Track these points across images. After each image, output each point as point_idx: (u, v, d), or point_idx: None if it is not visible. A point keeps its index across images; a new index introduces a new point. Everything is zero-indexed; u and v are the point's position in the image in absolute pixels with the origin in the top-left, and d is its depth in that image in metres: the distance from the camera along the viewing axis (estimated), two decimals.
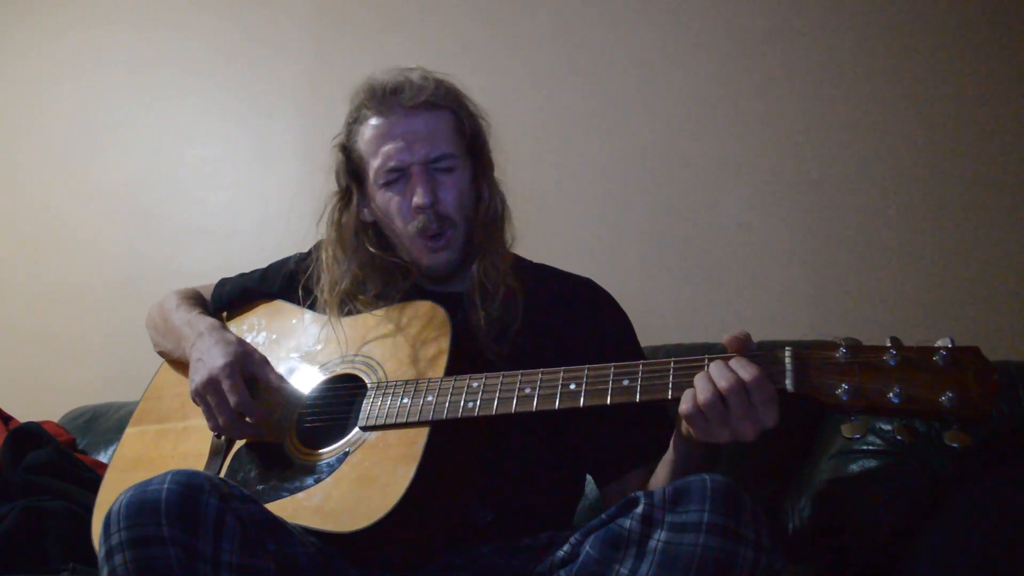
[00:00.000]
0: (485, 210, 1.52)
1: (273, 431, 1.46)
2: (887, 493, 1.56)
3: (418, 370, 1.38)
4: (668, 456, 1.31)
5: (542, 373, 1.28)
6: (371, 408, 1.37)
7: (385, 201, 1.49)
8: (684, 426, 1.20)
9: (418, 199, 1.45)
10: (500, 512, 1.38)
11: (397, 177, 1.47)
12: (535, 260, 1.61)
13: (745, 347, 1.17)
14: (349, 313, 1.52)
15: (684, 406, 1.15)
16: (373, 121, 1.49)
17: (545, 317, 1.48)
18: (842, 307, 2.22)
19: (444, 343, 1.38)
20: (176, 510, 1.11)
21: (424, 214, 1.45)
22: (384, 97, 1.48)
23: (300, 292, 1.58)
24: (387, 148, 1.47)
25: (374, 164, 1.49)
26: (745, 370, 1.12)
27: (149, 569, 1.10)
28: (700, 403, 1.13)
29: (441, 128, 1.47)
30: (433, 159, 1.46)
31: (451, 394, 1.31)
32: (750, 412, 1.12)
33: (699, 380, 1.15)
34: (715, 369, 1.15)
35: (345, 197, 1.55)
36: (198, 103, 2.95)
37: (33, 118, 3.14)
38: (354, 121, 1.53)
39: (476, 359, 1.40)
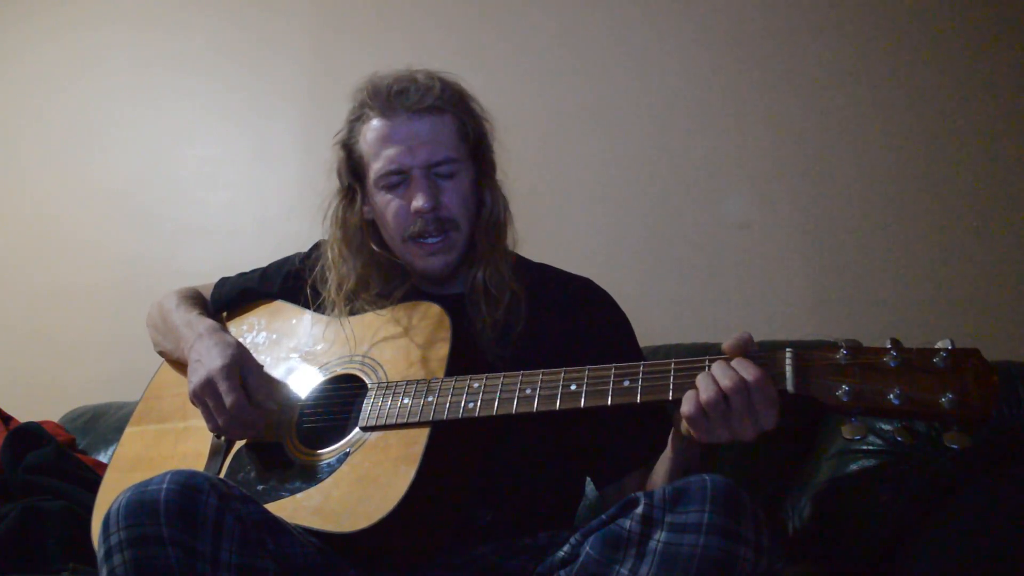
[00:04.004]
0: (488, 214, 1.51)
1: (273, 431, 1.46)
2: (887, 493, 1.55)
3: (419, 371, 1.38)
4: (666, 455, 1.31)
5: (543, 374, 1.27)
6: (371, 408, 1.36)
7: (384, 203, 1.49)
8: (684, 426, 1.20)
9: (417, 203, 1.44)
10: (500, 512, 1.38)
11: (398, 181, 1.47)
12: (535, 260, 1.61)
13: (746, 350, 1.17)
14: (352, 313, 1.51)
15: (686, 407, 1.15)
16: (375, 122, 1.48)
17: (544, 317, 1.48)
18: (842, 308, 2.21)
19: (445, 345, 1.38)
20: (175, 510, 1.11)
21: (422, 218, 1.45)
22: (388, 98, 1.46)
23: (308, 292, 1.56)
24: (389, 151, 1.46)
25: (375, 166, 1.48)
26: (748, 371, 1.12)
27: (148, 569, 1.10)
28: (703, 402, 1.13)
29: (444, 132, 1.46)
30: (435, 163, 1.45)
31: (452, 395, 1.31)
32: (751, 412, 1.12)
33: (701, 379, 1.15)
34: (717, 369, 1.15)
35: (348, 195, 1.54)
36: (198, 103, 2.95)
37: (33, 118, 3.14)
38: (356, 119, 1.51)
39: (477, 361, 1.39)
